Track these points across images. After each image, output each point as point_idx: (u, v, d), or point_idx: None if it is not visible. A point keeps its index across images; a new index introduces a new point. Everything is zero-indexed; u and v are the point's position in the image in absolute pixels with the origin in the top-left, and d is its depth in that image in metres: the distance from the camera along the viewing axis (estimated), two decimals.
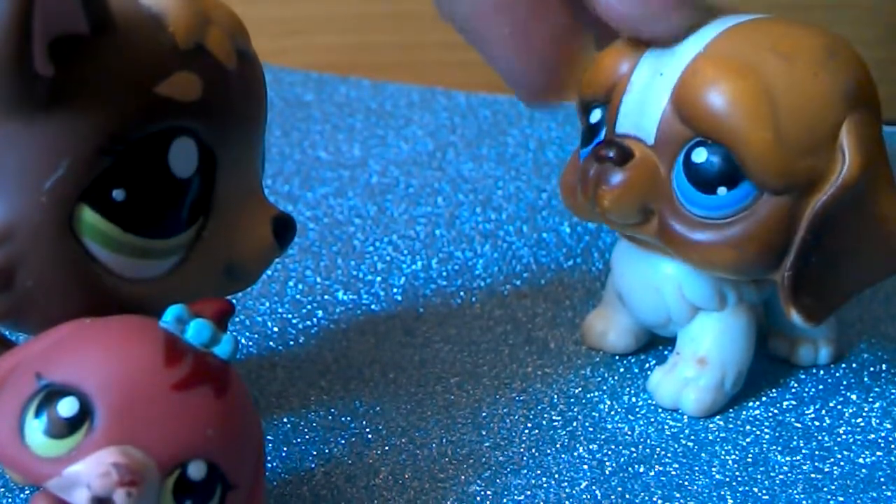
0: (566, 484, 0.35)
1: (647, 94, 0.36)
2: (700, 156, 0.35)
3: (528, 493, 0.35)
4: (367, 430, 0.37)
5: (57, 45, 0.28)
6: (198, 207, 0.31)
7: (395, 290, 0.46)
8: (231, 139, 0.31)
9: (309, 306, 0.44)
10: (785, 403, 0.39)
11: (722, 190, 0.35)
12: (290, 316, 0.44)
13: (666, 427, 0.38)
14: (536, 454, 0.37)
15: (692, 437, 0.38)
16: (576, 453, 0.37)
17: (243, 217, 0.32)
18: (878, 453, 0.37)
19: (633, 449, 0.37)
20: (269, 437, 0.37)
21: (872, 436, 0.38)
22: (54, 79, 0.28)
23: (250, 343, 0.42)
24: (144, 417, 0.27)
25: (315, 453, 0.36)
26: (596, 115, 0.38)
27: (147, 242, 0.30)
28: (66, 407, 0.27)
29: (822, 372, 0.41)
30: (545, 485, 0.35)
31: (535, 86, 0.39)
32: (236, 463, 0.29)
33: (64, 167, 0.29)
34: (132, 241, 0.30)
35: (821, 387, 0.40)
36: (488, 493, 0.35)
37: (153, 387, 0.27)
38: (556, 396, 0.39)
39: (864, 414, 0.39)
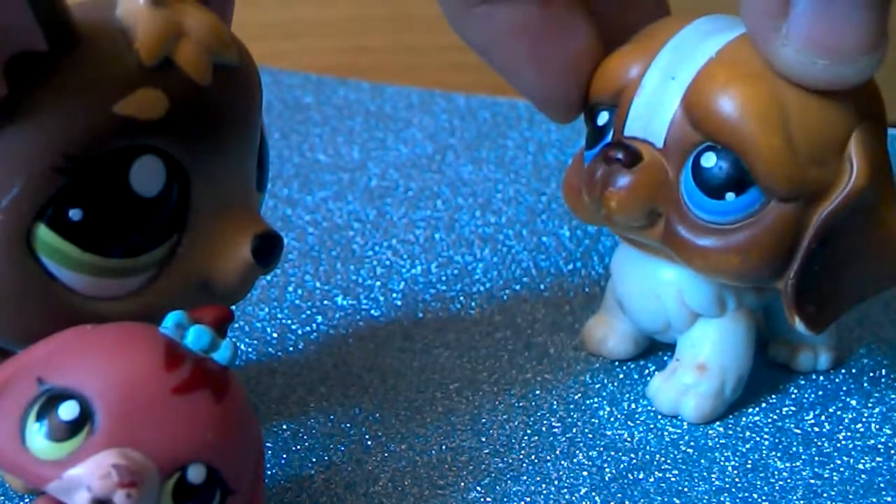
0: (566, 490, 0.35)
1: (657, 97, 0.36)
2: (709, 160, 0.35)
3: (528, 499, 0.35)
4: (367, 436, 0.37)
5: (13, 64, 0.28)
6: (170, 224, 0.30)
7: (394, 294, 0.46)
8: (207, 155, 0.30)
9: (308, 312, 0.44)
10: (785, 409, 0.39)
11: (730, 195, 0.35)
12: (289, 321, 0.44)
13: (665, 433, 0.38)
14: (536, 460, 0.37)
15: (692, 444, 0.38)
16: (575, 459, 0.37)
17: (222, 234, 0.31)
18: (878, 459, 0.37)
19: (632, 455, 0.37)
20: (268, 444, 0.37)
21: (872, 441, 0.38)
22: (8, 97, 0.28)
23: (249, 349, 0.42)
24: (144, 420, 0.27)
25: (314, 460, 0.36)
26: (603, 118, 0.38)
27: (108, 262, 0.30)
28: (67, 410, 0.27)
29: (821, 378, 0.41)
30: (545, 491, 0.35)
31: (559, 106, 0.38)
32: (236, 467, 0.29)
33: (18, 186, 0.28)
34: (92, 260, 0.29)
35: (820, 393, 0.40)
36: (488, 499, 0.35)
37: (153, 390, 0.27)
38: (555, 402, 0.39)
39: (864, 420, 0.39)
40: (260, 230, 0.32)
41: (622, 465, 0.36)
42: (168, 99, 0.29)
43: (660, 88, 0.36)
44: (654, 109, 0.36)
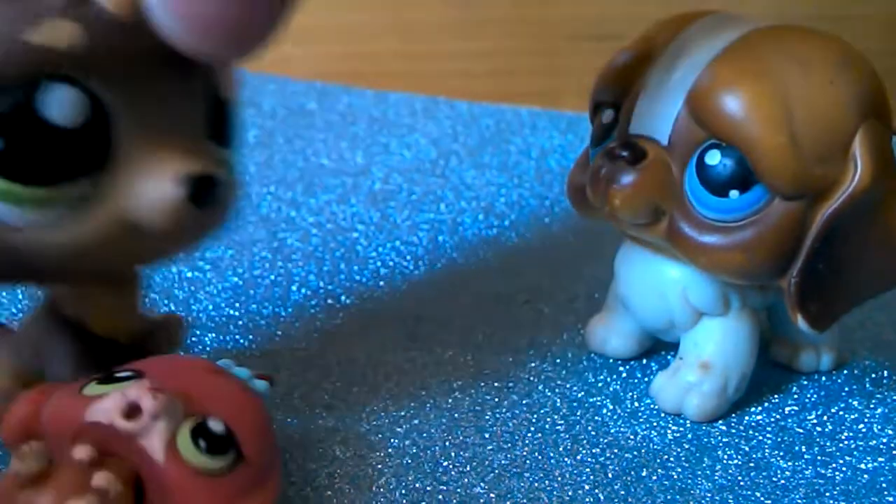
0: (569, 487, 0.35)
1: (662, 95, 0.36)
2: (713, 158, 0.35)
3: (531, 496, 0.35)
4: (371, 433, 0.37)
5: None
6: (92, 157, 0.30)
7: (398, 294, 0.46)
8: (132, 92, 0.30)
9: (312, 310, 0.44)
10: (787, 409, 0.39)
11: (734, 193, 0.35)
12: (293, 320, 0.44)
13: (668, 431, 0.38)
14: (539, 457, 0.37)
15: (695, 442, 0.38)
16: (578, 457, 0.37)
17: (148, 172, 0.31)
18: (880, 459, 0.37)
19: (635, 453, 0.37)
20: None
21: (874, 442, 0.38)
22: None
23: (253, 346, 0.42)
24: (182, 383, 0.31)
25: (319, 455, 0.36)
26: (608, 116, 0.38)
27: (27, 190, 0.29)
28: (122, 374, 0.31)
29: (824, 378, 0.41)
30: (548, 488, 0.35)
31: None
32: (251, 441, 0.30)
33: None
34: (11, 188, 0.29)
35: (823, 393, 0.40)
36: (491, 495, 0.35)
37: (194, 369, 0.33)
38: (558, 400, 0.39)
39: (866, 420, 0.39)
40: (193, 170, 0.31)
41: (625, 463, 0.36)
42: (84, 31, 0.29)
43: (664, 86, 0.36)
44: (658, 107, 0.36)
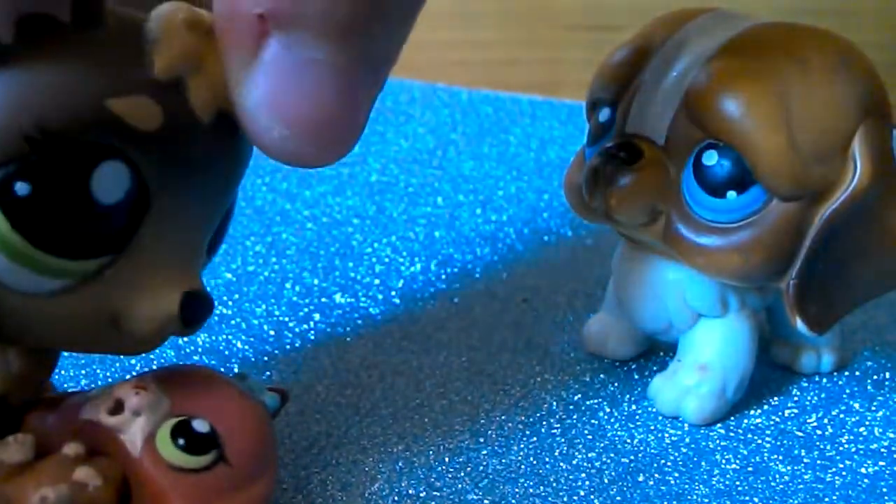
0: (564, 492, 0.35)
1: (659, 94, 0.35)
2: (711, 158, 0.35)
3: (526, 502, 0.34)
4: (364, 436, 0.37)
5: (29, 20, 0.26)
6: (109, 242, 0.29)
7: (393, 293, 0.45)
8: (173, 191, 0.29)
9: (306, 309, 0.44)
10: (787, 412, 0.39)
11: (731, 194, 0.34)
12: (286, 319, 0.43)
13: (666, 435, 0.38)
14: (535, 462, 0.36)
15: (692, 446, 0.37)
16: (574, 461, 0.36)
17: (154, 276, 0.29)
18: (881, 463, 0.36)
19: (632, 457, 0.37)
20: None
21: (875, 445, 0.37)
22: (9, 47, 0.26)
23: (246, 346, 0.42)
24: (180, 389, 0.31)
25: (310, 460, 0.36)
26: (604, 115, 0.37)
27: (28, 248, 0.28)
28: None
29: (824, 380, 0.41)
30: (543, 493, 0.35)
31: None
32: (239, 446, 0.30)
33: None
34: (15, 240, 0.27)
35: (823, 395, 0.40)
36: (486, 501, 0.34)
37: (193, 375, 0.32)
38: (555, 403, 0.39)
39: (867, 423, 0.38)
40: (192, 287, 0.30)
41: (622, 467, 0.36)
42: (164, 117, 0.28)
43: (661, 85, 0.35)
44: (655, 106, 0.35)
